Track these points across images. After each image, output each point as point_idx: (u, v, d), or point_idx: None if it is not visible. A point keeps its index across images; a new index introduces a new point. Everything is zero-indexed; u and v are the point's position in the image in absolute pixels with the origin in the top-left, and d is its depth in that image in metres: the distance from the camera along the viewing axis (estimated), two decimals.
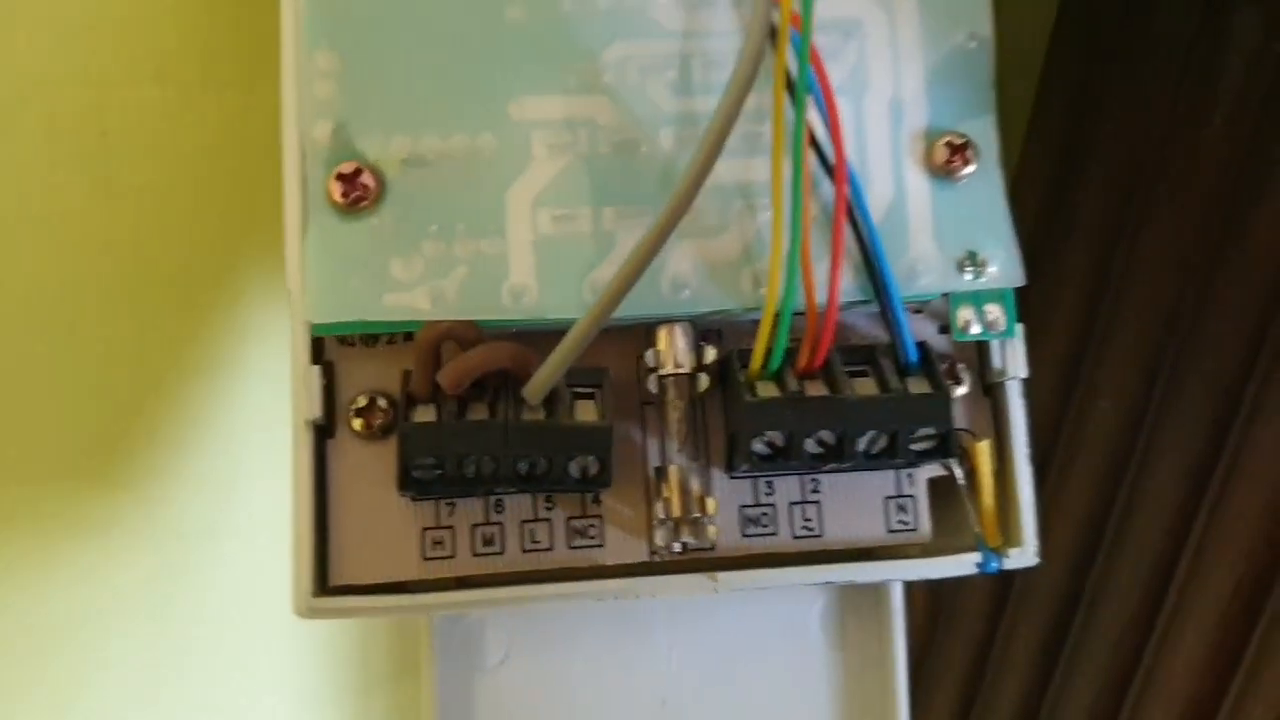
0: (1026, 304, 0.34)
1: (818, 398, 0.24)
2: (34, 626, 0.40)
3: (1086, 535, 0.32)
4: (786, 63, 0.22)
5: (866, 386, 0.24)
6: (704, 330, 0.25)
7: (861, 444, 0.24)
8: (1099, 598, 0.31)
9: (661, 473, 0.25)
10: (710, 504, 0.24)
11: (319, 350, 0.25)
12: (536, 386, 0.23)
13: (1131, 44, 0.28)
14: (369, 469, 0.25)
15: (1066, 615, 0.33)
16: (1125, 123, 0.29)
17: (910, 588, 0.42)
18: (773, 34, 0.22)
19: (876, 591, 0.28)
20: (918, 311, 0.26)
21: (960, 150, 0.24)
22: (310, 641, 0.44)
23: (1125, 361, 0.29)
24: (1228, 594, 0.27)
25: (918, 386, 0.24)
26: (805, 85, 0.22)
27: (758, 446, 0.24)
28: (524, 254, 0.24)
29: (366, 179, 0.24)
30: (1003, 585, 0.35)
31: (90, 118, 0.33)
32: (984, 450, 0.25)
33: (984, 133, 0.25)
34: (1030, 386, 0.34)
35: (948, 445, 0.24)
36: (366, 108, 0.24)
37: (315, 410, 0.24)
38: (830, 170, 0.24)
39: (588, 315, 0.22)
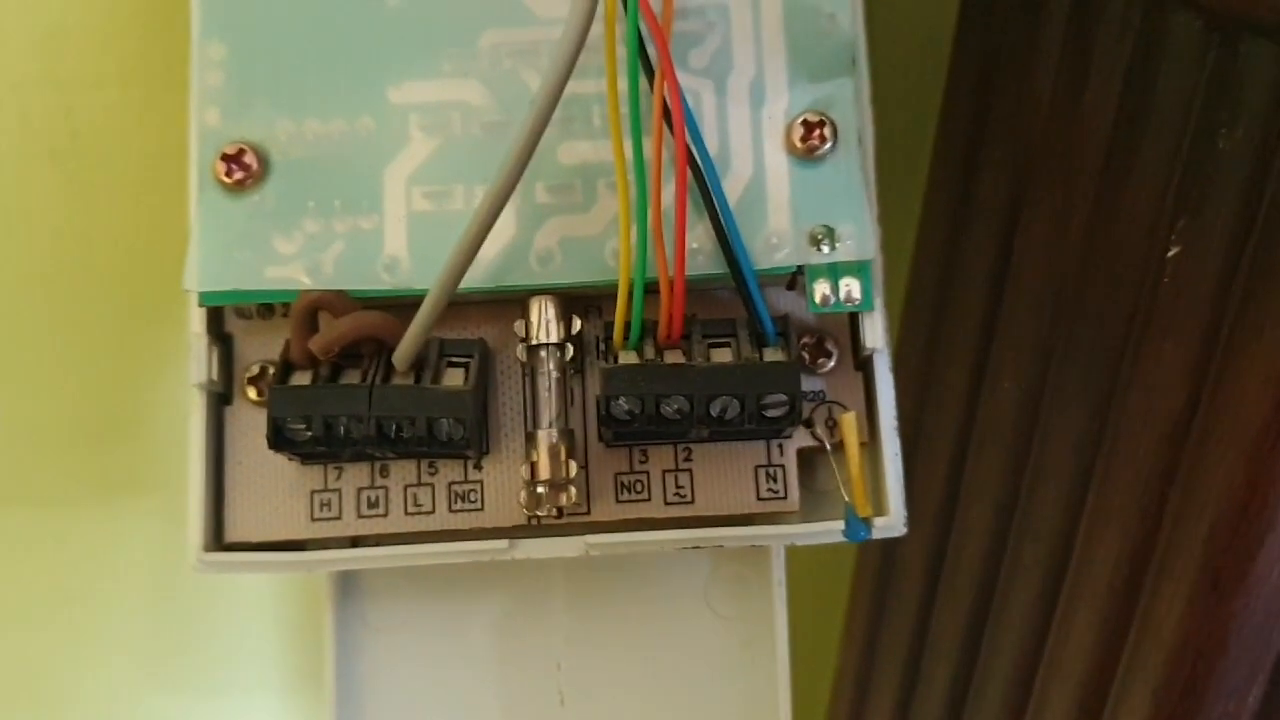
0: (944, 291, 0.34)
1: (671, 365, 0.25)
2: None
3: (1000, 516, 0.32)
4: (617, 40, 0.23)
5: (723, 355, 0.25)
6: (585, 306, 0.27)
7: (715, 410, 0.24)
8: (1011, 579, 0.32)
9: (531, 438, 0.26)
10: (572, 466, 0.25)
11: (219, 323, 0.27)
12: (402, 353, 0.25)
13: (1025, 21, 0.29)
14: (262, 434, 0.26)
15: (986, 595, 0.33)
16: (1018, 106, 0.29)
17: (863, 568, 0.43)
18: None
19: (759, 560, 0.29)
20: (790, 288, 0.27)
21: (817, 127, 0.25)
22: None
23: (1024, 342, 0.30)
24: (1109, 573, 0.27)
25: (772, 356, 0.25)
26: (635, 62, 0.23)
27: (616, 412, 0.25)
28: (398, 229, 0.25)
29: (250, 159, 0.25)
30: (934, 567, 0.36)
31: (60, 119, 0.35)
32: (850, 422, 0.26)
33: (841, 110, 0.26)
34: (950, 372, 0.35)
35: (796, 412, 0.24)
36: (252, 94, 0.26)
37: (202, 374, 0.26)
38: (689, 149, 0.25)
39: (436, 284, 0.24)
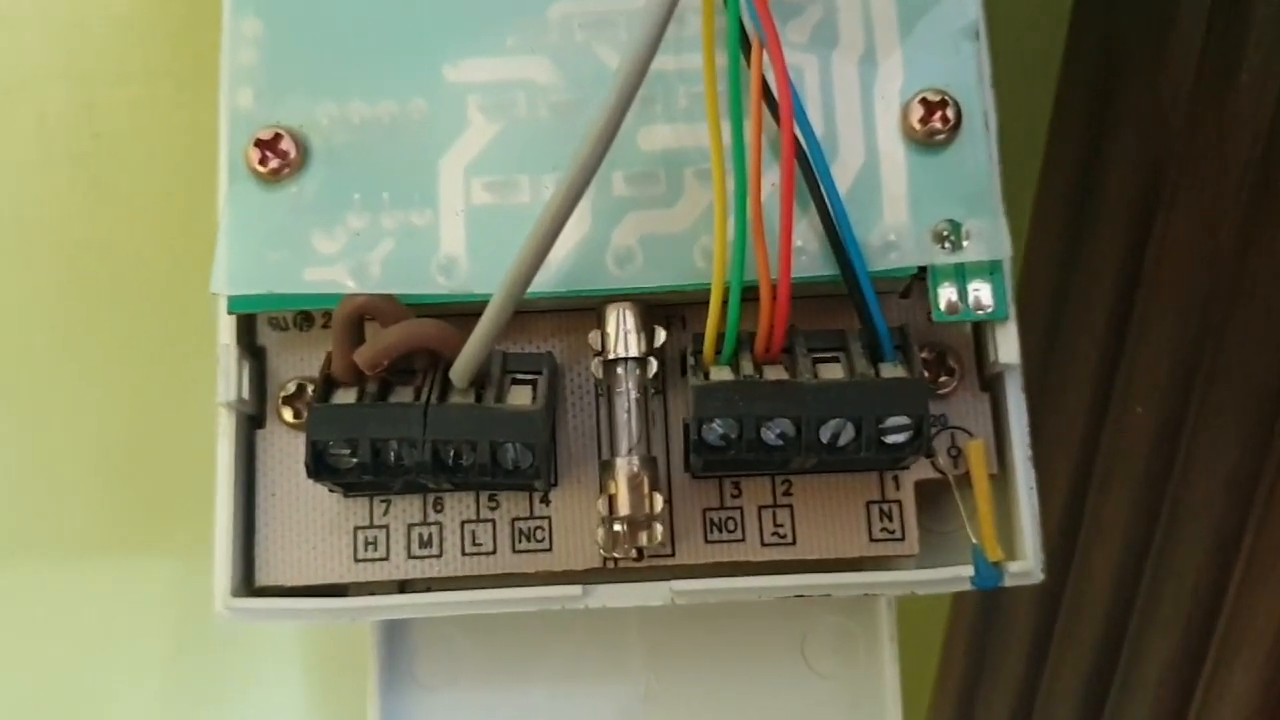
0: (1060, 302, 0.31)
1: (773, 382, 0.21)
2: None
3: (1131, 560, 0.28)
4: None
5: (832, 372, 0.22)
6: (667, 315, 0.23)
7: (825, 435, 0.21)
8: (1145, 630, 0.28)
9: (607, 467, 0.22)
10: (657, 500, 0.22)
11: (250, 334, 0.24)
12: (461, 368, 0.21)
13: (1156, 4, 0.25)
14: (299, 461, 0.23)
15: (1112, 651, 0.29)
16: (1152, 90, 0.26)
17: (958, 617, 0.39)
18: None
19: (865, 612, 0.25)
20: (904, 296, 0.23)
21: (938, 108, 0.22)
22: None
23: (1159, 360, 0.26)
24: (1273, 630, 0.24)
25: (891, 373, 0.22)
26: (736, 31, 0.20)
27: (709, 436, 0.21)
28: (455, 225, 0.22)
29: (287, 146, 0.22)
30: (1046, 618, 0.32)
31: (81, 118, 0.32)
32: (978, 450, 0.23)
33: (965, 88, 0.22)
34: (1067, 395, 0.31)
35: (923, 438, 0.21)
36: (290, 73, 0.23)
37: (231, 393, 0.22)
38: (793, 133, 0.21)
39: (501, 289, 0.20)
